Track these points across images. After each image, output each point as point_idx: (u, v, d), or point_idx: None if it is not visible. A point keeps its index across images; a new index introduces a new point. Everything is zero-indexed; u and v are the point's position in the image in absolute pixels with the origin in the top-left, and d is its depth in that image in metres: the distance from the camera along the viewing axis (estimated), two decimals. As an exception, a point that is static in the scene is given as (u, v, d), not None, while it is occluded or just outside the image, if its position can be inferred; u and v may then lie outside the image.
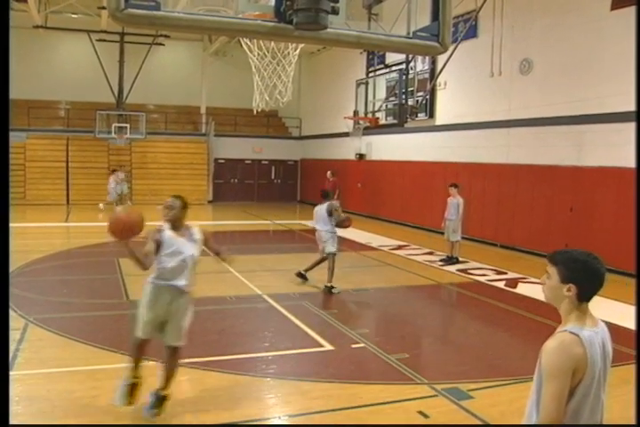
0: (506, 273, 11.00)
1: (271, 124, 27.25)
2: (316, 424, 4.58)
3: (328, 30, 4.10)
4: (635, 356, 5.96)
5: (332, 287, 9.10)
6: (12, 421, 4.41)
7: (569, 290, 2.36)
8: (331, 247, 9.17)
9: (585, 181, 11.86)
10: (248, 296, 8.82)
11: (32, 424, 4.38)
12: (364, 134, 18.84)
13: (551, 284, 2.41)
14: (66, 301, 8.33)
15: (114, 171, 21.29)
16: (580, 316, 2.38)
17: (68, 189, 23.02)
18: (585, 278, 2.35)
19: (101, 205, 20.54)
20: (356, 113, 17.16)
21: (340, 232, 9.77)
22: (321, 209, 9.31)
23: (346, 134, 19.41)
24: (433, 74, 16.23)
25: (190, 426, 4.62)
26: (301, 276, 9.71)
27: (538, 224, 13.02)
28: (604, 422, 2.46)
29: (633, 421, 3.25)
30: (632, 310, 7.86)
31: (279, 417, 4.87)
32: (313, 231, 9.90)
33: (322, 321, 7.51)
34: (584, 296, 2.37)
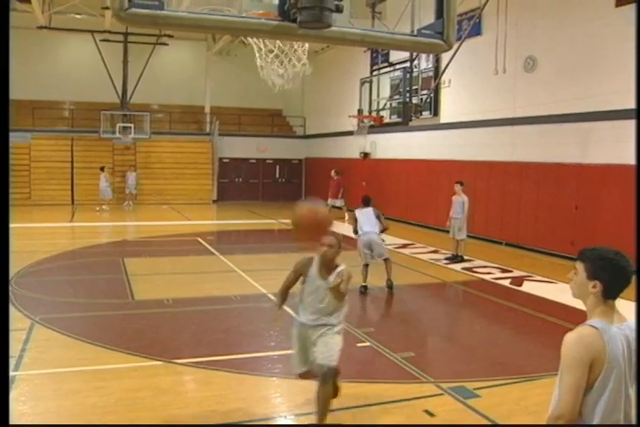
0: (511, 271, 10.97)
1: (275, 123, 27.24)
2: (316, 425, 4.56)
3: (332, 29, 4.08)
4: (635, 352, 5.92)
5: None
6: (18, 421, 4.43)
7: (594, 287, 2.42)
8: (386, 251, 9.36)
9: (590, 178, 11.81)
10: (253, 295, 8.82)
11: (32, 424, 4.38)
12: (368, 133, 18.80)
13: (578, 280, 2.48)
14: (71, 301, 8.35)
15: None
16: (605, 311, 2.44)
17: (72, 190, 23.08)
18: (611, 276, 2.41)
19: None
20: (360, 111, 17.16)
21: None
22: (369, 213, 9.29)
23: (350, 133, 19.41)
24: (437, 72, 16.20)
25: (190, 426, 4.62)
26: (365, 288, 9.20)
27: (543, 222, 12.98)
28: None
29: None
30: (632, 306, 7.83)
31: (285, 416, 4.87)
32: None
33: (327, 320, 7.48)
34: (609, 293, 2.44)
